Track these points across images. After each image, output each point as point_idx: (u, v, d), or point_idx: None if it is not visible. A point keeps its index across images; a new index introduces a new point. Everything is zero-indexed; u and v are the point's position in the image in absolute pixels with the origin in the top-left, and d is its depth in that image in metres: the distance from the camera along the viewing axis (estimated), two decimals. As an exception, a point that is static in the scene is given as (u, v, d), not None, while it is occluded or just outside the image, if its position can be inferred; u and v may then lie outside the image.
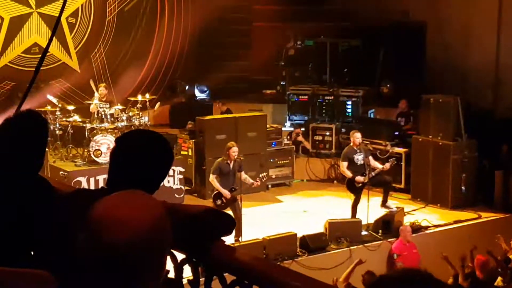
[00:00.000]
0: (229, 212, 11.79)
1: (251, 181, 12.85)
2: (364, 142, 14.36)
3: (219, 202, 12.39)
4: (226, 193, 12.40)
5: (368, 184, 13.52)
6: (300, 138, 17.17)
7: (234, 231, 11.79)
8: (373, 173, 13.61)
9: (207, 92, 19.47)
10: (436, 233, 13.70)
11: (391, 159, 14.25)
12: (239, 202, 12.53)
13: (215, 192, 12.63)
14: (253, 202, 14.37)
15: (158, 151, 2.88)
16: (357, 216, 13.42)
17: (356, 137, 13.74)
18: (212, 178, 12.59)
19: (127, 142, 2.91)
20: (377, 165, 13.94)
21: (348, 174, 13.62)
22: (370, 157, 13.92)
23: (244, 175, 12.75)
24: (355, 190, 13.61)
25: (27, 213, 3.29)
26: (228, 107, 17.38)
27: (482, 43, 17.55)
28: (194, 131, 15.58)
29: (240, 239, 12.11)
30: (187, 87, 19.43)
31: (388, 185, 14.44)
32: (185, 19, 19.32)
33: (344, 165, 13.78)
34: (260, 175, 13.20)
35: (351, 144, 13.87)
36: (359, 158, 13.66)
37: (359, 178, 13.46)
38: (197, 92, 19.45)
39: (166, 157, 2.91)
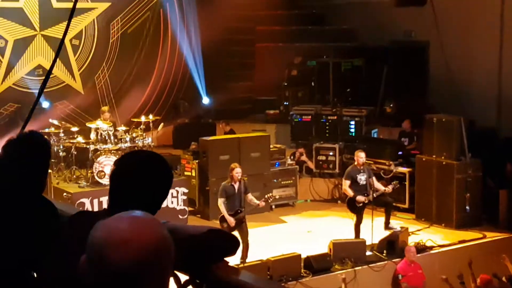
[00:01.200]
0: (236, 234, 11.73)
1: (257, 202, 12.81)
2: (368, 162, 14.35)
3: (225, 225, 12.33)
4: (230, 220, 12.31)
5: (369, 204, 13.50)
6: (304, 157, 17.16)
7: (241, 253, 11.84)
8: (375, 194, 13.59)
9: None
10: (441, 253, 13.64)
11: (394, 182, 14.23)
12: (246, 224, 12.49)
13: (221, 215, 12.58)
14: (257, 223, 14.33)
15: (157, 171, 2.87)
16: (361, 236, 13.38)
17: (360, 156, 13.75)
18: (220, 203, 12.50)
19: (126, 164, 2.91)
20: (380, 186, 13.93)
21: (350, 193, 13.62)
22: (374, 178, 13.91)
23: (250, 196, 12.71)
24: (356, 209, 13.60)
25: (30, 234, 3.28)
26: (231, 127, 17.40)
27: (485, 62, 17.57)
28: (197, 151, 15.58)
29: (244, 261, 12.05)
30: (189, 108, 19.43)
31: (390, 206, 14.42)
32: (188, 39, 19.37)
33: (346, 183, 13.77)
34: (266, 196, 13.15)
35: (355, 163, 13.87)
36: (362, 178, 13.66)
37: (360, 198, 13.46)
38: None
39: (166, 177, 2.90)
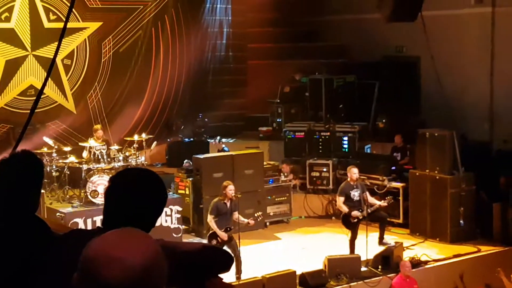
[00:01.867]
0: (228, 250, 11.71)
1: (246, 220, 12.79)
2: (361, 177, 14.36)
3: (214, 242, 12.32)
4: (222, 235, 12.32)
5: (364, 220, 13.50)
6: (290, 176, 17.02)
7: (235, 269, 11.83)
8: (369, 210, 13.60)
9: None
10: (436, 268, 13.63)
11: (388, 197, 14.24)
12: (236, 241, 12.47)
13: (210, 232, 12.57)
14: (251, 240, 14.31)
15: (151, 188, 2.87)
16: (356, 252, 13.36)
17: (353, 172, 13.76)
18: (210, 219, 12.52)
19: (120, 181, 2.90)
20: (374, 201, 13.94)
21: (344, 209, 13.63)
22: (367, 193, 13.91)
23: (236, 215, 12.67)
24: (351, 225, 13.59)
25: (24, 254, 3.27)
26: (225, 145, 17.40)
27: (476, 76, 17.65)
28: (191, 169, 15.56)
29: (241, 277, 12.05)
30: (182, 127, 19.41)
31: (384, 221, 14.41)
32: (180, 58, 19.41)
33: (340, 200, 13.78)
34: (256, 214, 13.14)
35: (348, 179, 13.88)
36: (355, 194, 13.67)
37: (355, 213, 13.46)
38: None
39: (160, 194, 2.89)
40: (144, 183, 2.86)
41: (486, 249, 14.45)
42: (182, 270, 2.68)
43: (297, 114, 19.58)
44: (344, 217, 13.72)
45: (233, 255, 11.35)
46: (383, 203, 13.87)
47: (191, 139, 19.20)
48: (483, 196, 15.44)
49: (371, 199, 13.95)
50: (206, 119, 19.41)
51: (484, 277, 12.89)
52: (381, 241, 14.23)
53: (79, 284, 1.93)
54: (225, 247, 12.05)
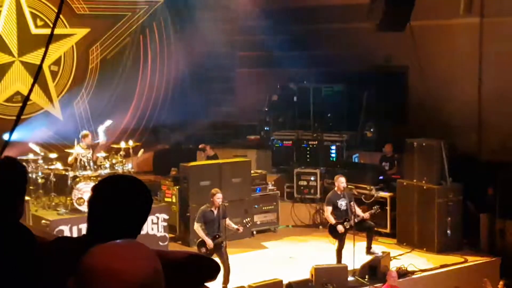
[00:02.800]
0: (216, 259, 11.64)
1: (235, 227, 12.75)
2: (349, 186, 14.34)
3: (203, 250, 12.27)
4: (209, 242, 12.26)
5: (351, 230, 13.48)
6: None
7: (222, 278, 11.76)
8: (356, 219, 13.59)
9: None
10: (423, 278, 13.61)
11: (374, 207, 14.23)
12: (225, 249, 12.41)
13: (199, 240, 12.51)
14: (238, 249, 14.25)
15: (135, 195, 2.83)
16: (343, 262, 13.32)
17: (341, 181, 13.74)
18: (197, 227, 12.47)
19: (103, 189, 2.87)
20: (359, 212, 13.92)
21: (332, 220, 13.61)
22: (353, 202, 13.90)
23: (228, 221, 12.66)
24: (338, 235, 13.56)
25: (8, 262, 3.21)
26: (216, 152, 17.34)
27: (464, 86, 17.66)
28: (178, 177, 15.50)
29: (228, 286, 11.98)
30: (170, 134, 19.34)
31: (371, 231, 14.39)
32: (168, 65, 19.37)
33: (328, 210, 13.77)
34: (244, 221, 13.12)
35: (336, 188, 13.86)
36: (342, 203, 13.66)
37: (340, 228, 13.44)
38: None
39: (144, 200, 2.85)
40: (127, 191, 2.82)
41: (473, 260, 14.45)
42: (167, 279, 2.63)
43: (285, 122, 19.55)
44: (331, 227, 13.69)
45: (221, 263, 11.33)
46: (366, 215, 13.87)
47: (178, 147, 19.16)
48: (471, 207, 15.45)
49: (357, 210, 13.94)
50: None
51: (471, 287, 12.87)
52: (368, 250, 14.21)
53: None
54: (214, 255, 12.01)
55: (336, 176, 14.23)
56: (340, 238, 13.59)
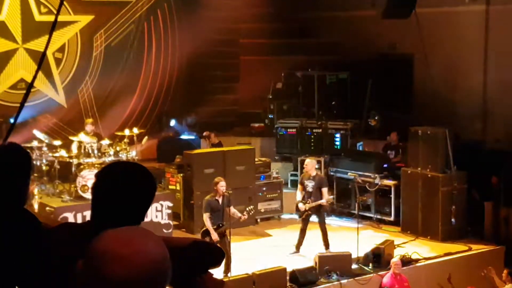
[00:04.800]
0: (218, 246, 11.64)
1: (239, 214, 12.74)
2: (353, 174, 14.34)
3: (207, 239, 12.25)
4: (214, 235, 12.21)
5: (308, 212, 13.61)
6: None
7: (224, 266, 11.76)
8: (313, 204, 13.64)
9: (193, 129, 19.28)
10: (427, 266, 13.62)
11: (329, 198, 14.18)
12: (228, 237, 12.41)
13: (203, 229, 12.48)
14: (242, 236, 14.26)
15: (139, 182, 2.83)
16: (347, 249, 13.33)
17: (310, 165, 14.00)
18: (206, 217, 12.39)
19: (106, 175, 2.87)
20: (326, 196, 13.89)
21: (298, 197, 13.90)
22: (325, 189, 13.86)
23: (232, 210, 12.64)
24: (300, 214, 13.85)
25: (13, 247, 3.22)
26: (220, 140, 17.33)
27: (470, 75, 17.62)
28: (182, 165, 15.49)
29: (229, 274, 11.98)
30: (174, 123, 19.28)
31: (321, 221, 13.91)
32: (172, 53, 19.34)
33: (298, 187, 14.09)
34: (247, 208, 13.10)
35: (305, 170, 14.07)
36: (309, 185, 13.68)
37: (300, 206, 13.56)
38: (179, 126, 19.26)
39: (148, 187, 2.86)
40: (131, 177, 2.83)
41: (477, 248, 14.44)
42: (172, 265, 2.63)
43: (290, 110, 19.52)
44: (296, 205, 14.03)
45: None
46: (323, 201, 13.78)
47: (183, 135, 19.15)
48: (475, 195, 15.43)
49: (326, 195, 13.85)
50: (195, 118, 19.35)
51: (475, 276, 12.86)
52: (327, 247, 13.79)
53: (82, 273, 1.95)
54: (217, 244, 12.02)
55: (307, 160, 14.41)
56: (303, 218, 13.76)
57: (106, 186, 2.83)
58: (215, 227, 12.30)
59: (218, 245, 11.90)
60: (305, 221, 13.76)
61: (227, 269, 12.11)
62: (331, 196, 14.56)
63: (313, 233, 15.26)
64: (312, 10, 20.33)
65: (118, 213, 2.69)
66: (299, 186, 14.09)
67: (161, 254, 1.95)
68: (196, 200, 14.45)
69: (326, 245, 13.76)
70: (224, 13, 19.79)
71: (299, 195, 13.87)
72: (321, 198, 13.69)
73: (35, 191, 12.78)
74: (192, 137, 18.80)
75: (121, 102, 18.45)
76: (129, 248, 1.91)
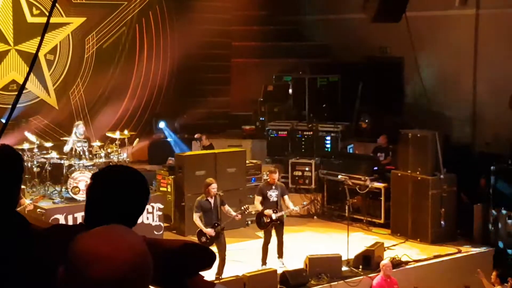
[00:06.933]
0: (214, 248, 11.66)
1: (234, 213, 12.75)
2: (344, 177, 14.31)
3: (203, 239, 12.28)
4: (209, 231, 12.27)
5: (274, 221, 13.16)
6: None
7: (217, 268, 11.77)
8: (283, 213, 13.27)
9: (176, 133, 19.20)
10: (417, 268, 13.66)
11: (305, 203, 14.22)
12: (224, 238, 12.43)
13: (198, 230, 12.50)
14: (232, 238, 14.25)
15: (134, 186, 2.85)
16: (337, 251, 13.35)
17: (273, 174, 13.42)
18: (196, 217, 12.43)
19: (103, 178, 2.88)
20: (291, 206, 13.45)
21: (259, 208, 13.29)
22: (287, 197, 13.57)
23: (227, 208, 12.65)
24: (262, 227, 13.29)
25: (3, 249, 3.22)
26: (211, 142, 17.37)
27: (459, 78, 17.71)
28: (173, 167, 15.52)
29: (220, 277, 11.99)
30: (164, 125, 19.21)
31: (279, 231, 13.46)
32: (164, 55, 19.36)
33: (257, 199, 13.40)
34: (242, 208, 13.09)
35: (269, 180, 13.60)
36: (272, 194, 13.40)
37: (268, 211, 13.12)
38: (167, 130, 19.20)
39: (143, 192, 2.88)
40: (126, 181, 2.84)
41: (467, 250, 14.52)
42: (163, 267, 2.66)
43: (280, 113, 19.56)
44: (257, 216, 13.45)
45: (217, 253, 11.35)
46: (297, 209, 13.64)
47: (173, 137, 19.14)
48: (464, 198, 15.51)
49: (290, 204, 13.48)
50: (179, 124, 19.34)
51: (464, 278, 12.93)
52: (280, 255, 13.47)
53: (65, 279, 1.92)
54: (213, 245, 12.02)
55: (269, 170, 14.04)
56: (266, 230, 13.27)
57: (101, 190, 2.83)
58: (209, 227, 12.32)
59: (215, 244, 11.96)
60: (270, 233, 13.27)
61: (219, 273, 12.11)
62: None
63: (305, 235, 15.34)
64: (304, 13, 20.40)
65: (112, 216, 2.70)
66: (258, 197, 13.39)
67: (141, 248, 1.93)
68: (187, 202, 14.47)
69: (281, 254, 13.43)
70: (216, 15, 19.83)
71: (260, 206, 13.30)
72: (285, 207, 13.42)
73: (26, 202, 12.67)
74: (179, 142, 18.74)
75: (113, 104, 18.46)
76: (109, 245, 1.89)
